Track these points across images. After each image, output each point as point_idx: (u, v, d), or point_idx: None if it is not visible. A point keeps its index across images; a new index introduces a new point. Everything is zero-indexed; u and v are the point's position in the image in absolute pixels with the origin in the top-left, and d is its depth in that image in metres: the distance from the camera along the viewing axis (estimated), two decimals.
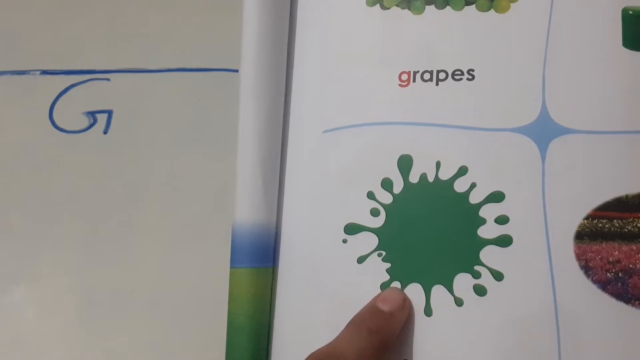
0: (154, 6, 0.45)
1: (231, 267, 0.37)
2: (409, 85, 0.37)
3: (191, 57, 0.42)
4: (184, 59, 0.43)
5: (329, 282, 0.35)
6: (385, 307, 0.32)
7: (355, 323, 0.32)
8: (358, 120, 0.37)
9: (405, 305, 0.33)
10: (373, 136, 0.36)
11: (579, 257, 0.33)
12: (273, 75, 0.38)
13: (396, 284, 0.34)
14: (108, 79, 0.43)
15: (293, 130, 0.38)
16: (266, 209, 0.37)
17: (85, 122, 0.42)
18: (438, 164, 0.35)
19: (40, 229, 0.41)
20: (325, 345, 0.31)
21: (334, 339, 0.31)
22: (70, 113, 0.43)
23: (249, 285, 0.36)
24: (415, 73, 0.37)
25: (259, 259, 0.37)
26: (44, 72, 0.43)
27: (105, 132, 0.42)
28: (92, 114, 0.42)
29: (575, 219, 0.33)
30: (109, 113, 0.42)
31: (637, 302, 0.32)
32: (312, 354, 0.30)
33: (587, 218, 0.33)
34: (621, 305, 0.32)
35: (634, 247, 0.33)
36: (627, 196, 0.33)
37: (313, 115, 0.38)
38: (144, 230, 0.41)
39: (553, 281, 0.33)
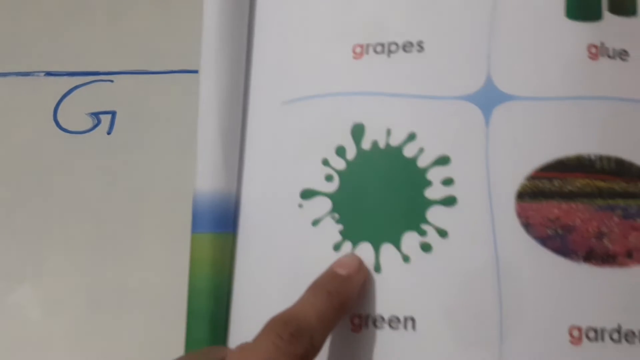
0: (156, 8, 0.46)
1: (192, 232, 0.38)
2: (363, 57, 0.38)
3: (194, 59, 0.42)
4: (186, 60, 0.45)
5: (285, 244, 0.37)
6: (342, 271, 0.34)
7: (315, 286, 0.33)
8: (314, 91, 0.39)
9: (362, 269, 0.34)
10: (328, 106, 0.38)
11: (520, 215, 0.34)
12: (233, 48, 0.40)
13: (347, 244, 0.36)
14: (111, 80, 0.43)
15: (253, 102, 0.40)
16: (226, 177, 0.38)
17: (89, 123, 0.43)
18: (389, 131, 0.37)
19: (43, 229, 0.42)
20: (287, 309, 0.31)
21: (294, 303, 0.32)
22: (75, 114, 0.43)
23: (210, 249, 0.38)
24: (368, 46, 0.38)
25: (219, 225, 0.38)
26: (48, 74, 0.44)
27: (109, 133, 0.43)
28: (95, 115, 0.43)
29: (517, 180, 0.35)
30: (113, 114, 0.43)
31: (575, 257, 0.33)
32: (274, 317, 0.30)
33: (528, 179, 0.35)
34: (560, 259, 0.34)
35: (572, 205, 0.34)
36: (566, 158, 0.35)
37: (272, 87, 0.40)
38: (148, 231, 0.42)
39: (495, 238, 0.34)
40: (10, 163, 0.43)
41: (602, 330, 0.32)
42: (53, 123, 0.43)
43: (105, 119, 0.43)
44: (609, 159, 0.35)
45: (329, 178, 0.37)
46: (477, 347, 0.33)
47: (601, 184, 0.35)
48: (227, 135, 0.39)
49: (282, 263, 0.37)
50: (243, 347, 0.30)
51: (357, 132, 0.37)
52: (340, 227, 0.36)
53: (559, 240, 0.34)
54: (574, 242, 0.34)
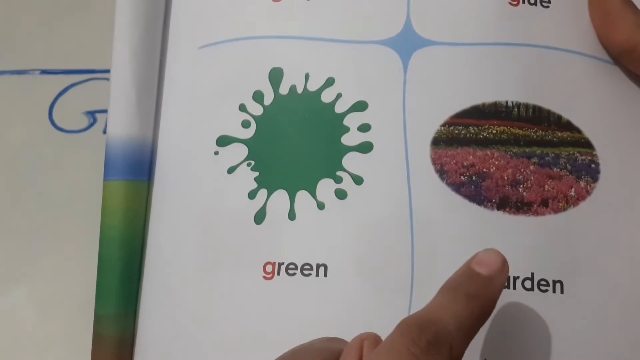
0: None
1: (104, 179, 0.37)
2: (282, 1, 0.37)
3: None
4: None
5: (200, 192, 0.36)
6: (483, 271, 0.28)
7: (451, 288, 0.28)
8: (232, 35, 0.37)
9: (504, 268, 0.28)
10: (246, 50, 0.37)
11: (434, 162, 0.34)
12: None
13: (263, 192, 0.35)
14: (107, 79, 0.42)
15: (171, 47, 0.39)
16: (140, 123, 0.37)
17: (85, 121, 0.42)
18: (307, 76, 0.36)
19: (39, 228, 0.41)
20: (420, 311, 0.27)
21: (427, 304, 0.27)
22: (70, 113, 0.43)
23: (123, 197, 0.36)
24: None
25: (132, 172, 0.37)
26: (44, 72, 0.43)
27: (105, 132, 0.42)
28: (91, 114, 0.43)
29: (432, 126, 0.34)
30: None
31: (488, 204, 0.33)
32: (407, 319, 0.26)
33: (444, 125, 0.34)
34: (474, 206, 0.33)
35: (487, 152, 0.34)
36: (483, 104, 0.34)
37: (190, 31, 0.38)
38: None
39: (409, 184, 0.33)
40: (5, 162, 0.42)
41: (515, 279, 0.32)
42: (48, 122, 0.43)
43: (101, 118, 0.43)
44: (526, 106, 0.35)
45: (245, 124, 0.36)
46: (388, 293, 0.32)
47: (518, 131, 0.34)
48: (142, 81, 0.37)
49: (197, 212, 0.36)
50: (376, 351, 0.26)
51: (275, 76, 0.36)
52: (255, 174, 0.35)
53: (473, 188, 0.33)
54: (488, 189, 0.33)
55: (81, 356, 0.38)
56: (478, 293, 0.27)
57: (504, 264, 0.28)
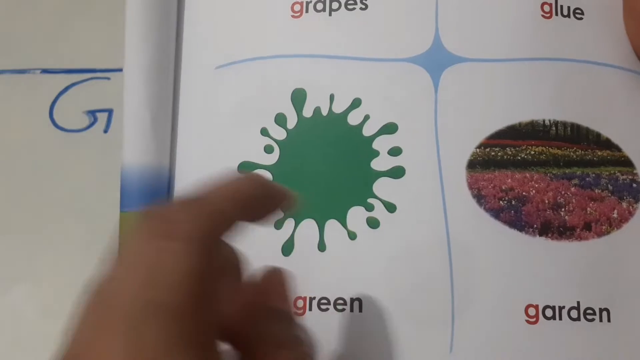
0: None
1: (121, 211, 0.35)
2: (302, 16, 0.35)
3: None
4: None
5: None
6: None
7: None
8: (251, 54, 0.35)
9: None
10: (266, 70, 0.35)
11: (471, 186, 0.32)
12: (162, 9, 0.36)
13: (289, 222, 0.33)
14: (108, 78, 0.42)
15: (185, 68, 0.37)
16: (157, 150, 0.35)
17: (85, 121, 0.41)
18: (332, 97, 0.34)
19: (40, 228, 0.40)
20: None
21: None
22: (71, 112, 0.42)
23: None
24: (307, 3, 0.35)
25: (150, 202, 0.35)
26: (44, 71, 0.43)
27: (105, 131, 0.41)
28: (92, 113, 0.42)
29: (467, 148, 0.33)
30: (110, 112, 0.41)
31: (530, 230, 0.31)
32: None
33: (479, 147, 0.32)
34: (514, 232, 0.32)
35: (527, 175, 0.32)
36: (519, 124, 0.33)
37: (205, 50, 0.36)
38: None
39: (445, 211, 0.32)
40: (6, 161, 0.41)
41: (560, 308, 0.30)
42: (49, 121, 0.42)
43: (102, 117, 0.41)
44: (564, 124, 0.33)
45: (268, 149, 0.34)
46: (428, 327, 0.31)
47: (557, 151, 0.33)
48: (156, 105, 0.36)
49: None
50: None
51: (298, 98, 0.34)
52: None
53: (513, 213, 0.32)
54: (528, 214, 0.32)
55: None
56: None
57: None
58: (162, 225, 0.22)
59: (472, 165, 0.32)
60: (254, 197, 0.24)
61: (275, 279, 0.27)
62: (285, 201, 0.26)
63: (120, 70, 0.40)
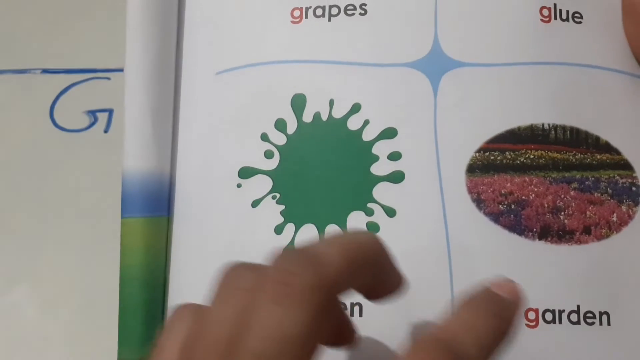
0: None
1: (122, 217, 0.35)
2: (302, 22, 0.35)
3: None
4: None
5: (223, 228, 0.34)
6: (504, 294, 0.25)
7: (472, 306, 0.25)
8: (251, 60, 0.36)
9: (522, 297, 0.26)
10: (266, 76, 0.35)
11: (470, 190, 0.32)
12: (162, 15, 0.36)
13: (290, 226, 0.33)
14: (109, 78, 0.42)
15: (186, 74, 0.37)
16: (157, 156, 0.36)
17: (86, 121, 0.42)
18: (331, 102, 0.34)
19: (40, 228, 0.41)
20: (439, 328, 0.24)
21: (446, 321, 0.24)
22: (71, 112, 0.42)
23: (142, 235, 0.35)
24: (307, 9, 0.35)
25: (151, 208, 0.35)
26: (45, 71, 0.43)
27: (105, 131, 0.41)
28: (92, 113, 0.42)
29: (467, 153, 0.33)
30: (110, 112, 0.42)
31: (529, 234, 0.32)
32: (425, 338, 0.23)
33: (479, 151, 0.33)
34: (514, 237, 0.32)
35: (526, 179, 0.32)
36: (519, 128, 0.33)
37: (205, 56, 0.37)
38: None
39: (445, 215, 0.32)
40: (6, 161, 0.42)
41: (560, 312, 0.30)
42: (49, 121, 0.42)
43: (102, 117, 0.42)
44: (563, 128, 0.33)
45: (268, 154, 0.34)
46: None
47: (556, 155, 0.33)
48: (157, 110, 0.36)
49: (220, 248, 0.34)
50: None
51: (298, 103, 0.35)
52: (281, 207, 0.33)
53: (512, 217, 0.32)
54: (528, 218, 0.32)
55: (81, 356, 0.38)
56: (500, 313, 0.24)
57: (522, 292, 0.25)
58: (280, 286, 0.21)
59: (472, 169, 0.32)
60: (372, 263, 0.24)
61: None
62: (399, 284, 0.26)
63: (121, 70, 0.40)
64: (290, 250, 0.23)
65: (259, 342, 0.21)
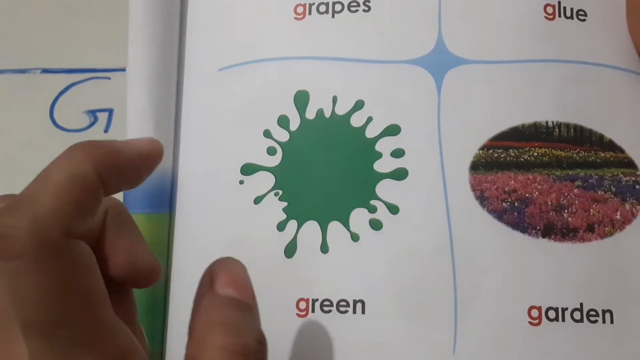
0: None
1: None
2: (305, 18, 0.35)
3: None
4: None
5: (225, 225, 0.34)
6: (234, 293, 0.24)
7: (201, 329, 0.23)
8: (253, 56, 0.36)
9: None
10: (269, 72, 0.35)
11: (474, 188, 0.32)
12: (165, 11, 0.36)
13: (292, 223, 0.33)
14: (109, 78, 0.42)
15: (188, 70, 0.37)
16: None
17: (86, 120, 0.41)
18: (334, 99, 0.34)
19: None
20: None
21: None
22: (71, 112, 0.42)
23: (144, 231, 0.34)
24: (311, 5, 0.35)
25: (153, 205, 0.35)
26: (45, 71, 0.43)
27: (106, 131, 0.41)
28: (92, 113, 0.42)
29: (470, 150, 0.33)
30: (110, 112, 0.41)
31: (533, 231, 0.31)
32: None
33: (482, 148, 0.32)
34: (517, 234, 0.32)
35: (530, 177, 0.32)
36: (522, 125, 0.33)
37: (208, 53, 0.36)
38: None
39: (448, 212, 0.32)
40: (6, 161, 0.41)
41: (563, 310, 0.30)
42: (49, 121, 0.42)
43: (102, 117, 0.41)
44: (567, 126, 0.33)
45: (271, 151, 0.34)
46: (431, 329, 0.31)
47: (560, 153, 0.33)
48: (159, 107, 0.36)
49: (222, 245, 0.34)
50: None
51: (301, 100, 0.34)
52: (283, 204, 0.33)
53: (516, 214, 0.32)
54: (531, 215, 0.32)
55: None
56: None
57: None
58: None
59: (475, 166, 0.32)
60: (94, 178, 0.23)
61: (230, 268, 0.25)
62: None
63: (121, 69, 0.40)
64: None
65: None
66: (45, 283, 0.20)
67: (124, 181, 0.24)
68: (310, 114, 0.34)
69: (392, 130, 0.33)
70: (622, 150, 0.33)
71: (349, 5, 0.35)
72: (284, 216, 0.33)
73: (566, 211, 0.32)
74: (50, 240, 0.21)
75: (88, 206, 0.23)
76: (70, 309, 0.21)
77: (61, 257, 0.21)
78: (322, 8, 0.35)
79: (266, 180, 0.34)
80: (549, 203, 0.32)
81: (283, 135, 0.34)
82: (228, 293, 0.23)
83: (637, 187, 0.32)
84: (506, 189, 0.32)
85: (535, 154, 0.32)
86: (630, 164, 0.33)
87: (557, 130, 0.33)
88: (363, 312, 0.31)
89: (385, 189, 0.33)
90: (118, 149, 0.24)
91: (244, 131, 0.35)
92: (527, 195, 0.32)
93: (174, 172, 0.36)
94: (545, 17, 0.34)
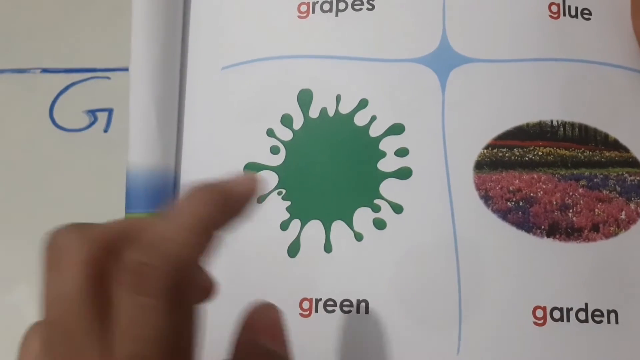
0: None
1: (126, 212, 0.35)
2: (309, 17, 0.35)
3: None
4: None
5: None
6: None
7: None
8: (257, 55, 0.35)
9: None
10: (272, 71, 0.35)
11: (478, 187, 0.32)
12: (168, 10, 0.36)
13: (296, 222, 0.33)
14: (108, 77, 0.42)
15: (191, 69, 0.37)
16: (162, 151, 0.35)
17: (85, 120, 0.41)
18: (338, 98, 0.34)
19: (40, 228, 0.39)
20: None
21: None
22: (71, 111, 0.42)
23: None
24: (314, 4, 0.35)
25: (156, 204, 0.35)
26: (45, 71, 0.43)
27: (105, 131, 0.41)
28: (92, 113, 0.42)
29: (475, 149, 0.32)
30: (110, 111, 0.41)
31: (537, 231, 0.31)
32: None
33: (487, 147, 0.32)
34: (522, 234, 0.31)
35: (534, 176, 0.32)
36: (527, 124, 0.33)
37: (211, 51, 0.36)
38: None
39: (452, 212, 0.32)
40: (6, 161, 0.41)
41: (568, 310, 0.30)
42: (49, 120, 0.42)
43: (102, 117, 0.41)
44: (572, 125, 0.33)
45: (274, 150, 0.34)
46: (435, 329, 0.31)
47: (565, 152, 0.33)
48: (162, 106, 0.35)
49: (226, 244, 0.34)
50: None
51: (304, 98, 0.34)
52: (287, 203, 0.33)
53: (521, 214, 0.31)
54: (536, 215, 0.31)
55: None
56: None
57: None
58: (136, 278, 0.21)
59: (480, 166, 0.32)
60: (208, 217, 0.23)
61: (266, 315, 0.25)
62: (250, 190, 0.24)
63: (121, 69, 0.40)
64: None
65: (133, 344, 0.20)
66: (166, 326, 0.20)
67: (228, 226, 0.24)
68: (314, 112, 0.34)
69: (396, 129, 0.33)
70: (626, 150, 0.33)
71: (353, 4, 0.35)
72: (287, 215, 0.33)
73: (571, 211, 0.32)
74: (183, 284, 0.21)
75: (207, 252, 0.22)
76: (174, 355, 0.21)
77: (188, 302, 0.21)
78: (326, 6, 0.35)
79: (270, 179, 0.34)
80: (554, 202, 0.32)
81: (286, 134, 0.34)
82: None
83: None
84: (511, 189, 0.32)
85: (540, 153, 0.32)
86: (635, 163, 0.33)
87: (561, 129, 0.33)
88: (367, 311, 0.31)
89: (389, 188, 0.32)
90: (228, 192, 0.24)
91: (247, 130, 0.35)
92: (531, 194, 0.32)
93: (176, 171, 0.36)
94: (550, 16, 0.34)
